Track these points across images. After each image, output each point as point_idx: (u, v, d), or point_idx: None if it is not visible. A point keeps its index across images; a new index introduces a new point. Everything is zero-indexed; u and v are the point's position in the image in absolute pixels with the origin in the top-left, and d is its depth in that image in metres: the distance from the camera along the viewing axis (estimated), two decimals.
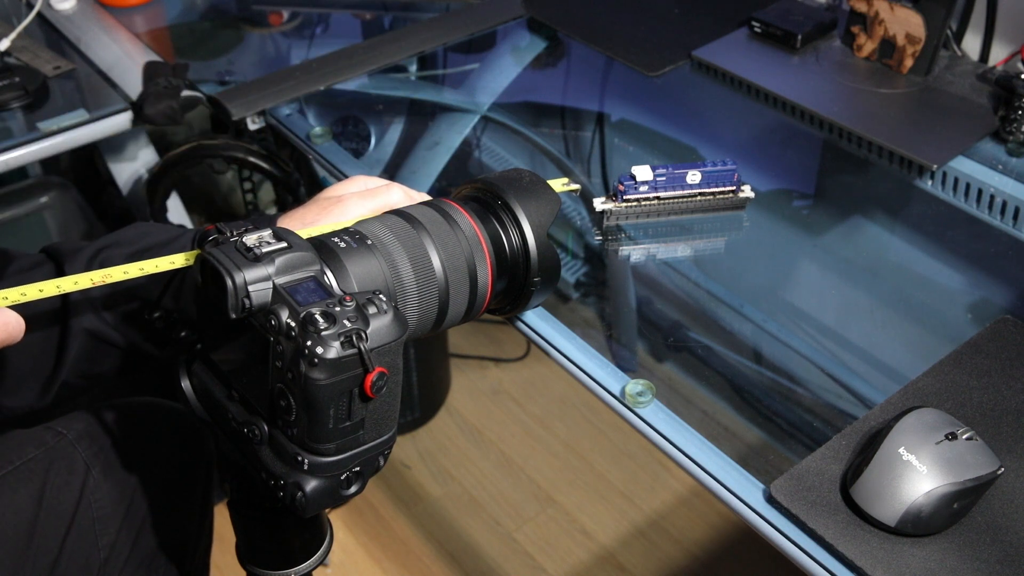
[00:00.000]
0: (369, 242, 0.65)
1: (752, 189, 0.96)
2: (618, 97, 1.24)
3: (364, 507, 1.70)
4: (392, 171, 1.09)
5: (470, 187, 0.75)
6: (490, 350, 1.98)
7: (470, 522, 1.68)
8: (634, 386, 0.75)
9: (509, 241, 0.72)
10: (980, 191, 0.96)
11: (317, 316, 0.54)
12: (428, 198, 0.81)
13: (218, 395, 0.63)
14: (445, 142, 1.12)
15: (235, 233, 0.59)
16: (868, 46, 1.10)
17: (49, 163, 1.66)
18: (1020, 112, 0.97)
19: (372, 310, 0.56)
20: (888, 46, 1.09)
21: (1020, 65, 1.07)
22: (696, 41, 1.18)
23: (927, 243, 1.00)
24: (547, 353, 0.80)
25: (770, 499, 0.67)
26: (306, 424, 0.56)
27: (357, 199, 0.78)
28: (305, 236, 0.63)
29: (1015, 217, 0.94)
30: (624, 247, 0.96)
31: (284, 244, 0.59)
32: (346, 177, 1.00)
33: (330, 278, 0.61)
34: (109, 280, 0.64)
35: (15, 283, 0.78)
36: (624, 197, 0.94)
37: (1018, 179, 0.95)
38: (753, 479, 0.69)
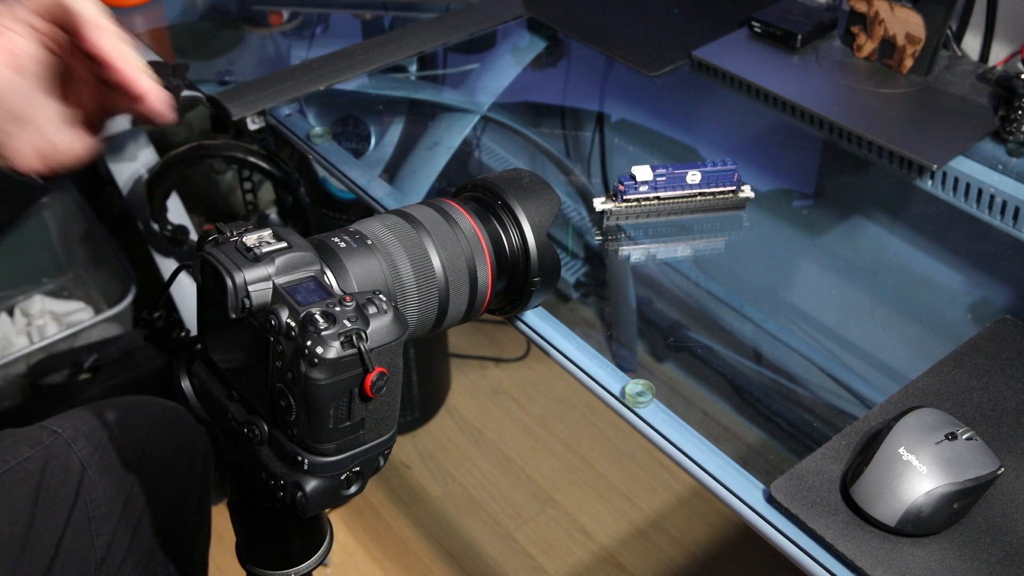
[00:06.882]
0: (369, 242, 0.65)
1: (752, 189, 0.95)
2: (618, 97, 1.24)
3: (364, 507, 1.70)
4: (392, 171, 1.09)
5: (470, 187, 0.75)
6: (490, 350, 1.98)
7: (470, 522, 1.68)
8: (634, 386, 0.75)
9: (509, 241, 0.72)
10: (980, 191, 0.96)
11: (317, 316, 0.54)
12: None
13: (218, 395, 0.63)
14: (445, 142, 1.12)
15: (235, 233, 0.59)
16: (868, 46, 1.10)
17: None
18: (1020, 112, 0.97)
19: (372, 310, 0.56)
20: (888, 46, 1.08)
21: (1020, 65, 1.07)
22: (696, 41, 1.17)
23: (927, 243, 0.99)
24: (547, 353, 0.80)
25: (770, 499, 0.67)
26: (306, 424, 0.56)
27: None
28: None
29: (1015, 217, 0.94)
30: (624, 247, 0.96)
31: (284, 244, 0.59)
32: (347, 179, 1.00)
33: (330, 278, 0.61)
34: None
35: None
36: (624, 197, 0.94)
37: (1018, 179, 0.95)
38: (753, 479, 0.69)
